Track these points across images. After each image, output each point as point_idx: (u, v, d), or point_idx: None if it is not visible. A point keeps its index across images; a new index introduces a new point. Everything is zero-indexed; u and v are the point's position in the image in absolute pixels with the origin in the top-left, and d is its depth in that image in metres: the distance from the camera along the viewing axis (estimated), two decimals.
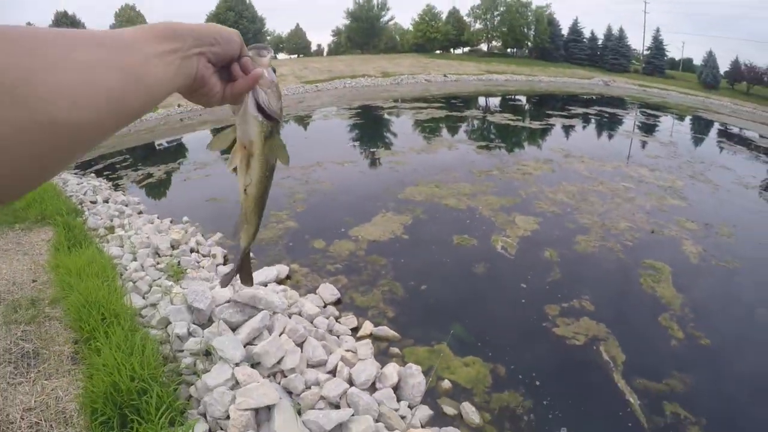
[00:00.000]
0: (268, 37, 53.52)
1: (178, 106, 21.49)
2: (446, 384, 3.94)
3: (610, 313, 5.25)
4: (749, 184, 12.55)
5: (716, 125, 26.90)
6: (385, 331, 4.52)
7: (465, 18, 61.20)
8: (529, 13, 57.52)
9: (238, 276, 0.94)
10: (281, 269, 5.45)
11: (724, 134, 24.21)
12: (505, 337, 4.71)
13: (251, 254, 0.97)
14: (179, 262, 5.58)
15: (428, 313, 4.99)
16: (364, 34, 57.25)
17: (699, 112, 32.19)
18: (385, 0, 58.56)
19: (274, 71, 0.76)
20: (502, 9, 57.40)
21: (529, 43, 59.19)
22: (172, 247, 6.03)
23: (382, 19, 58.88)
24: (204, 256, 6.04)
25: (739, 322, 5.50)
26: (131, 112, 0.52)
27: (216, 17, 48.70)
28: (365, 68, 36.06)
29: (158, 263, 5.55)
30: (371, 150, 11.45)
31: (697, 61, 60.30)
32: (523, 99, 27.75)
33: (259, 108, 0.73)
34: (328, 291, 5.09)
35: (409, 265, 5.85)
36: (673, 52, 72.99)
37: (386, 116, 16.65)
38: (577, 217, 7.76)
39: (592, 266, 6.32)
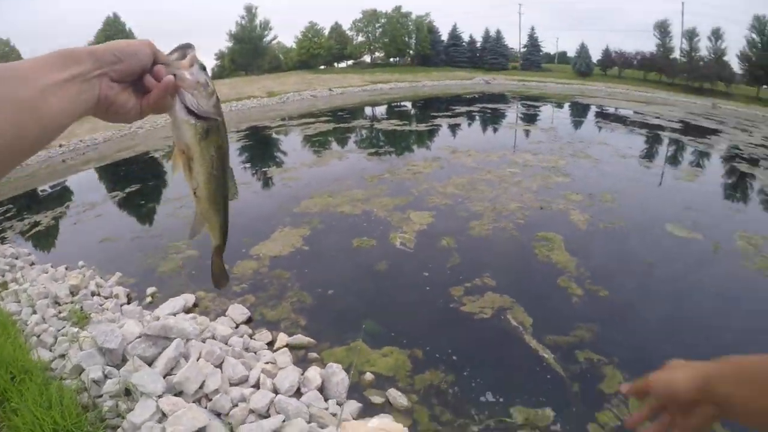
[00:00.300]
0: None
1: (60, 146, 20.34)
2: (369, 377, 4.37)
3: (512, 285, 5.99)
4: (626, 155, 14.57)
5: (593, 108, 30.31)
6: (300, 339, 4.85)
7: (347, 32, 63.58)
8: (410, 23, 61.48)
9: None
10: (187, 298, 5.60)
11: (601, 115, 27.34)
12: (417, 324, 5.24)
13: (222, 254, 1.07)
14: (81, 307, 5.56)
15: (339, 316, 5.40)
16: (248, 55, 57.15)
17: (576, 98, 35.94)
18: (268, 19, 59.08)
19: (204, 69, 0.78)
20: (383, 21, 60.71)
21: (411, 51, 62.78)
22: (72, 294, 5.96)
23: (265, 39, 59.25)
24: (106, 297, 6.03)
25: (629, 272, 6.58)
26: (29, 146, 0.55)
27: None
28: (250, 89, 36.12)
29: (60, 312, 5.50)
30: (263, 170, 11.73)
31: (571, 53, 67.77)
32: (409, 104, 29.27)
33: (189, 111, 0.76)
34: (238, 311, 5.33)
35: (313, 274, 6.22)
36: (549, 47, 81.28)
37: (275, 135, 17.05)
38: (468, 206, 8.60)
39: (488, 247, 7.10)
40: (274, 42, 61.99)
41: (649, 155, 16.06)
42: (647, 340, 5.11)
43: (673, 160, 16.27)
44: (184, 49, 0.78)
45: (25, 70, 0.55)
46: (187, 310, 5.44)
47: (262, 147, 15.45)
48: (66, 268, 6.94)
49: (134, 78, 0.71)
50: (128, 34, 48.53)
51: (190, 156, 0.80)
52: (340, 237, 7.30)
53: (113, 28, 46.89)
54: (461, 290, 5.83)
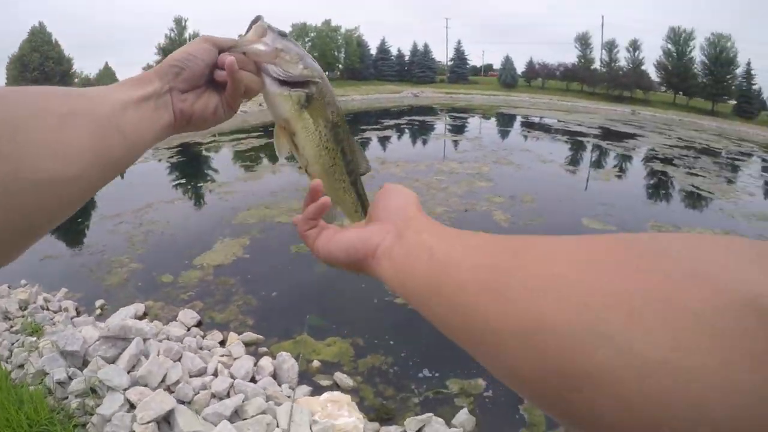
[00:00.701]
0: (76, 80, 49.76)
1: None
2: (316, 364, 4.83)
3: None
4: (548, 160, 15.85)
5: (518, 118, 32.07)
6: (250, 335, 5.25)
7: None
8: (339, 37, 62.42)
9: None
10: (137, 307, 5.81)
11: (526, 124, 29.06)
12: (356, 316, 5.78)
13: None
14: (34, 319, 5.65)
15: (284, 313, 5.84)
16: None
17: (502, 108, 37.89)
18: (197, 32, 58.27)
19: (283, 35, 0.74)
20: (312, 35, 61.19)
21: (341, 65, 63.62)
22: (22, 308, 6.02)
23: None
24: (55, 312, 6.08)
25: None
26: (115, 164, 0.56)
27: (20, 59, 44.36)
28: None
29: (12, 326, 5.54)
30: (199, 185, 11.90)
31: (497, 65, 71.50)
32: None
33: (278, 81, 0.72)
34: (188, 315, 5.66)
35: (256, 279, 6.63)
36: (475, 60, 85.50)
37: (207, 152, 17.10)
38: None
39: None
40: None
41: (570, 160, 17.53)
42: None
43: (593, 163, 17.78)
44: (252, 24, 0.73)
45: (102, 92, 0.57)
46: (138, 318, 5.70)
47: (195, 164, 15.54)
48: (8, 287, 6.97)
49: (204, 79, 0.69)
50: (55, 45, 46.88)
51: (292, 131, 0.74)
52: (279, 245, 7.71)
53: (39, 39, 45.11)
54: None
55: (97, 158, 0.51)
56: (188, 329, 5.46)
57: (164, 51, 54.54)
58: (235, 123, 24.27)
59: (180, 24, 55.23)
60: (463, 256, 0.46)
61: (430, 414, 3.95)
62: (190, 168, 13.96)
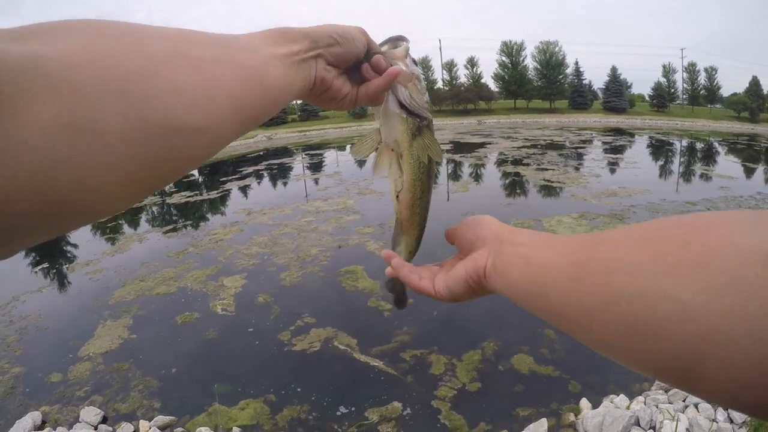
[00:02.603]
0: None
1: None
2: (236, 431, 4.83)
3: (331, 317, 6.91)
4: None
5: None
6: (162, 419, 5.11)
7: None
8: None
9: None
10: (34, 416, 5.39)
11: None
12: (259, 371, 5.84)
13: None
14: None
15: (189, 387, 5.73)
16: None
17: (355, 139, 38.62)
18: None
19: (416, 63, 0.80)
20: None
21: None
22: None
23: None
24: None
25: None
26: (252, 117, 0.55)
27: None
28: None
29: None
30: (63, 266, 11.13)
31: None
32: (195, 172, 29.11)
33: (401, 105, 0.77)
34: (91, 413, 5.36)
35: (150, 358, 6.42)
36: None
37: None
38: (275, 260, 9.40)
39: (301, 291, 7.95)
40: None
41: None
42: (454, 325, 6.51)
43: (450, 176, 18.98)
44: (396, 41, 0.78)
45: (245, 42, 0.57)
46: (39, 428, 5.36)
47: (51, 242, 14.44)
48: None
49: (348, 65, 0.73)
50: None
51: (400, 153, 0.80)
52: (163, 317, 7.52)
53: None
54: (288, 334, 6.57)
55: (235, 111, 0.51)
56: (95, 428, 5.23)
57: None
58: None
59: None
60: (552, 258, 0.56)
61: None
62: (47, 248, 13.02)
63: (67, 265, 11.05)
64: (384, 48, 0.77)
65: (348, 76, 0.74)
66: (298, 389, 5.37)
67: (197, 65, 0.47)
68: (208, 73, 0.48)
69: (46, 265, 11.20)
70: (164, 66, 0.44)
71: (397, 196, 0.86)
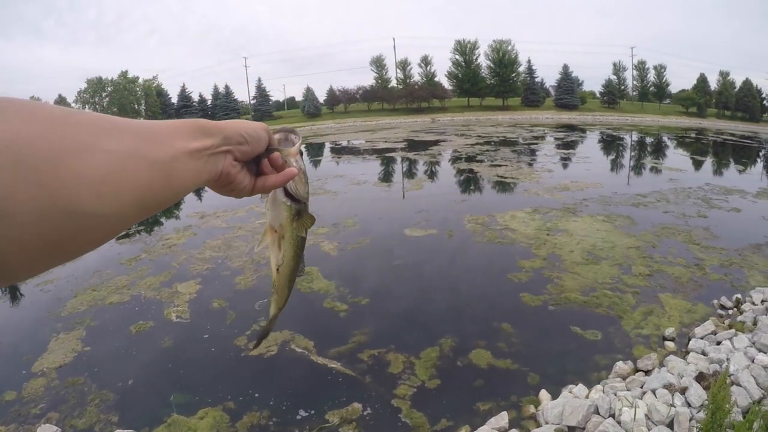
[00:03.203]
0: None
1: None
2: None
3: (286, 320, 6.79)
4: (361, 181, 16.78)
5: (327, 145, 33.26)
6: None
7: (73, 105, 58.84)
8: (138, 88, 59.58)
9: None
10: None
11: (335, 150, 30.33)
12: (217, 380, 5.70)
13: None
14: None
15: (146, 399, 5.55)
16: None
17: (309, 139, 38.95)
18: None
19: (301, 154, 0.88)
20: (110, 89, 57.80)
21: (142, 118, 60.93)
22: None
23: None
24: None
25: (382, 277, 8.03)
26: (154, 207, 0.58)
27: None
28: None
29: None
30: None
31: (299, 97, 73.65)
32: None
33: (287, 194, 0.85)
34: (49, 431, 5.18)
35: (105, 371, 6.19)
36: (277, 95, 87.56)
37: None
38: (229, 264, 9.24)
39: (256, 295, 7.82)
40: None
41: (383, 176, 18.65)
42: (411, 322, 6.48)
43: (405, 174, 19.11)
44: (288, 133, 0.86)
45: (160, 134, 0.59)
46: None
47: None
48: None
49: (249, 159, 0.78)
50: None
51: (282, 234, 0.88)
52: (117, 327, 7.27)
53: None
54: (245, 339, 6.44)
55: (138, 201, 0.54)
56: None
57: None
58: None
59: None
60: None
61: None
62: None
63: None
64: (278, 137, 0.84)
65: (247, 168, 0.79)
66: (257, 395, 5.27)
67: (108, 158, 0.49)
68: (117, 166, 0.50)
69: None
70: (78, 157, 0.46)
71: (278, 269, 0.93)
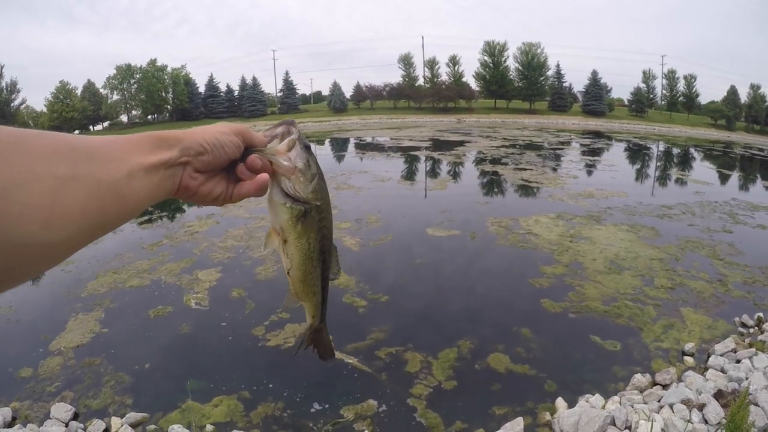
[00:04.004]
0: None
1: None
2: (209, 428, 4.75)
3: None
4: (384, 178, 16.78)
5: (352, 140, 33.34)
6: (134, 416, 4.99)
7: (101, 90, 59.59)
8: (166, 77, 60.00)
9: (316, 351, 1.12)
10: (4, 413, 5.25)
11: (360, 146, 30.36)
12: (234, 369, 5.75)
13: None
14: None
15: (162, 383, 5.62)
16: None
17: (334, 134, 39.12)
18: (15, 80, 52.29)
19: (307, 148, 0.81)
20: (138, 76, 58.24)
21: (169, 106, 61.34)
22: None
23: (12, 104, 52.27)
24: None
25: (402, 275, 8.04)
26: (107, 227, 0.57)
27: None
28: None
29: None
30: None
31: (326, 92, 74.10)
32: None
33: (285, 194, 0.80)
34: (62, 410, 5.21)
35: (122, 353, 6.27)
36: (304, 88, 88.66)
37: None
38: (250, 254, 9.32)
39: (277, 286, 7.87)
40: (22, 107, 55.73)
41: (407, 174, 18.68)
42: (430, 322, 6.49)
43: (428, 173, 19.11)
44: (288, 126, 0.81)
45: (117, 150, 0.58)
46: (8, 425, 5.20)
47: None
48: None
49: (221, 167, 0.75)
50: None
51: (285, 238, 0.83)
52: (136, 311, 7.38)
53: None
54: (263, 329, 6.50)
55: (90, 223, 0.53)
56: (66, 425, 5.08)
57: None
58: None
59: None
60: None
61: None
62: None
63: None
64: (280, 130, 0.80)
65: (224, 175, 0.76)
66: (272, 385, 5.31)
67: (57, 185, 0.49)
68: (65, 193, 0.50)
69: None
70: (26, 188, 0.46)
71: (288, 273, 0.89)
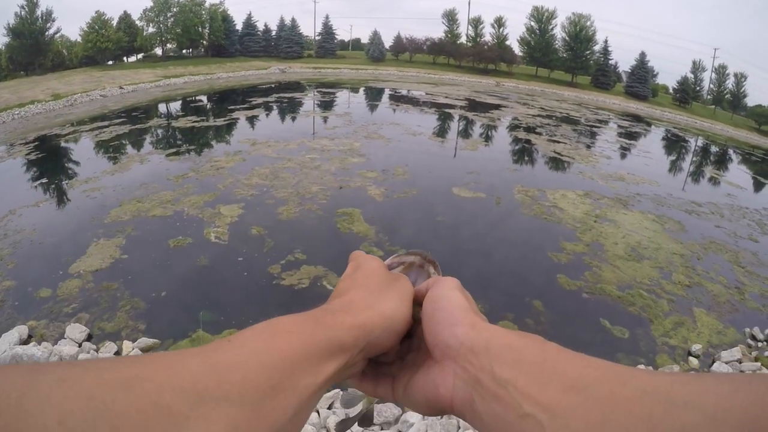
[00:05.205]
0: None
1: None
2: None
3: (322, 256, 6.92)
4: (417, 132, 16.66)
5: (387, 91, 32.94)
6: (145, 341, 5.16)
7: (137, 22, 59.19)
8: (204, 12, 59.33)
9: None
10: (20, 330, 5.35)
11: (394, 98, 29.98)
12: (247, 304, 5.90)
13: None
14: None
15: (175, 312, 5.79)
16: (28, 52, 49.93)
17: (370, 83, 38.67)
18: (51, 9, 52.35)
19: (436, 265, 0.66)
20: (175, 10, 57.65)
21: (205, 42, 60.82)
22: None
23: (47, 33, 52.47)
24: None
25: (422, 230, 8.07)
26: None
27: None
28: (34, 93, 31.93)
29: None
30: (61, 183, 11.02)
31: (365, 40, 72.94)
32: (205, 99, 28.80)
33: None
34: (77, 330, 5.37)
35: (139, 280, 6.43)
36: (343, 34, 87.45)
37: (67, 144, 15.55)
38: (274, 194, 9.38)
39: (297, 227, 7.96)
40: (57, 36, 55.85)
41: (438, 131, 18.53)
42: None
43: (460, 133, 18.93)
44: (428, 263, 0.66)
45: (284, 372, 0.36)
46: (24, 342, 5.36)
47: (55, 159, 14.14)
48: None
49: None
50: None
51: None
52: (156, 240, 7.52)
53: None
54: (279, 268, 6.59)
55: None
56: (80, 345, 5.24)
57: (14, 32, 48.56)
58: (94, 109, 22.73)
59: (31, 1, 49.61)
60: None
61: None
62: (50, 164, 12.88)
63: (66, 181, 10.95)
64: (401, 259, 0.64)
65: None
66: None
67: None
68: None
69: (45, 180, 11.12)
70: None
71: None
